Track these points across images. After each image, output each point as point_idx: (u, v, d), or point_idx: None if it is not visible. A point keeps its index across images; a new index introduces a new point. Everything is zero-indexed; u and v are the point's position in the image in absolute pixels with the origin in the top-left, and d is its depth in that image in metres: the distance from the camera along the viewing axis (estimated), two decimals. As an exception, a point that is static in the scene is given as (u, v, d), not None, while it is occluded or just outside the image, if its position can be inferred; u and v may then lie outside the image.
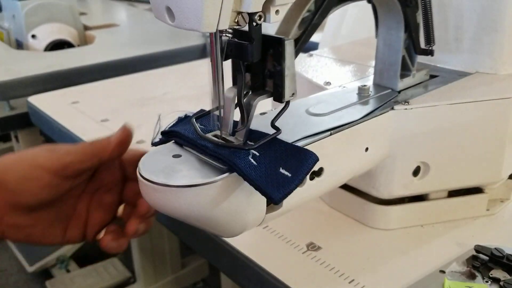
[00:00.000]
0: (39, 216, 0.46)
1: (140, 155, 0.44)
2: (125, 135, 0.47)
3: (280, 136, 0.43)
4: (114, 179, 0.49)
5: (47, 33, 1.47)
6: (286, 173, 0.39)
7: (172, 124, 0.46)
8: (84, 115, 0.98)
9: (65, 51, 1.44)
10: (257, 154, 0.40)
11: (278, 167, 0.39)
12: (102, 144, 0.46)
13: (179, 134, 0.43)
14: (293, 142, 0.44)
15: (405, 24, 0.54)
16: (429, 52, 0.57)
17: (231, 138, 0.43)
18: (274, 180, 0.38)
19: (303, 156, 0.41)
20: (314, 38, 1.21)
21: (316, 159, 0.41)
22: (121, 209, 0.51)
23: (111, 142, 0.47)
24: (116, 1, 2.20)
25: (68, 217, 0.49)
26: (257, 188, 0.38)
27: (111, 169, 0.49)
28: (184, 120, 0.46)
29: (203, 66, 1.28)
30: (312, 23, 0.44)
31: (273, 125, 0.43)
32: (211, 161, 0.41)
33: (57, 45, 1.46)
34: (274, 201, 0.38)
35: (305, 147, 0.43)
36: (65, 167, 0.44)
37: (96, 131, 0.90)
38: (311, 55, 0.75)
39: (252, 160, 0.39)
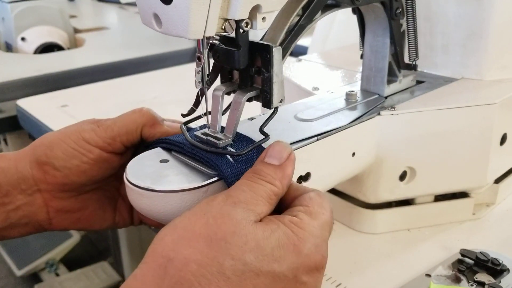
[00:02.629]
0: (87, 198, 0.45)
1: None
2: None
3: (268, 142, 0.43)
4: None
5: (37, 36, 1.46)
6: None
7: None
8: (73, 119, 0.98)
9: (54, 54, 1.43)
10: (234, 151, 0.41)
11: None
12: (145, 111, 0.45)
13: (163, 139, 0.44)
14: None
15: (390, 36, 0.55)
16: (413, 67, 0.58)
17: (219, 135, 0.43)
18: None
19: None
20: (304, 42, 1.22)
21: None
22: None
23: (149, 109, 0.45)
24: (106, 4, 2.19)
25: (115, 199, 0.47)
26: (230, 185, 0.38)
27: None
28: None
29: (194, 70, 1.28)
30: (298, 24, 0.45)
31: (261, 131, 0.44)
32: (197, 165, 0.41)
33: (47, 48, 1.45)
34: None
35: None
36: (113, 139, 0.43)
37: (85, 135, 0.90)
38: (299, 60, 0.75)
39: (229, 157, 0.40)
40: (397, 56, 0.57)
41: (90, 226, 0.46)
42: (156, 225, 0.48)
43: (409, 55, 0.58)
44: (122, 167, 0.45)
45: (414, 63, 0.58)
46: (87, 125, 0.44)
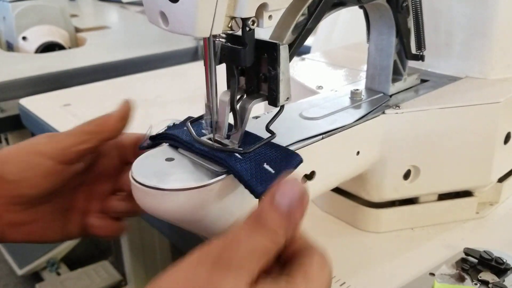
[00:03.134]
0: (39, 211, 0.45)
1: (138, 138, 0.43)
2: (125, 110, 0.46)
3: (273, 140, 0.43)
4: (113, 166, 0.48)
5: (38, 35, 1.46)
6: (270, 169, 0.40)
7: (161, 131, 0.46)
8: (76, 117, 0.98)
9: (56, 53, 1.43)
10: (241, 149, 0.41)
11: (262, 163, 0.40)
12: (102, 121, 0.45)
13: (169, 135, 0.44)
14: (287, 145, 0.44)
15: (396, 30, 0.55)
16: (420, 57, 0.58)
17: (226, 141, 0.43)
18: (258, 175, 0.39)
19: (288, 156, 0.41)
20: (307, 41, 1.22)
21: (300, 160, 0.41)
22: None
23: (111, 117, 0.45)
24: (107, 3, 2.19)
25: (66, 211, 0.47)
26: (241, 180, 0.38)
27: (110, 155, 0.47)
28: (172, 127, 0.46)
29: (195, 68, 1.28)
30: (306, 28, 0.45)
31: (268, 129, 0.44)
32: (203, 163, 0.41)
33: (48, 47, 1.45)
34: (256, 194, 0.38)
35: (296, 150, 0.44)
36: (66, 150, 0.43)
37: (88, 134, 0.90)
38: (303, 59, 0.75)
39: (237, 154, 0.40)
40: (402, 53, 0.57)
41: (42, 239, 0.46)
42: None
43: (416, 45, 0.58)
44: (76, 178, 0.46)
45: (421, 53, 0.58)
46: (42, 138, 0.44)
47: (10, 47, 1.51)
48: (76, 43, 1.58)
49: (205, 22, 0.35)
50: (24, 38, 1.46)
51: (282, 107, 0.43)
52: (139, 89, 1.15)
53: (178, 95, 1.07)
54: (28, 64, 1.27)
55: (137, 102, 1.08)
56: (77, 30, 1.63)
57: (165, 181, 0.39)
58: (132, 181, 0.40)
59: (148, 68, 1.29)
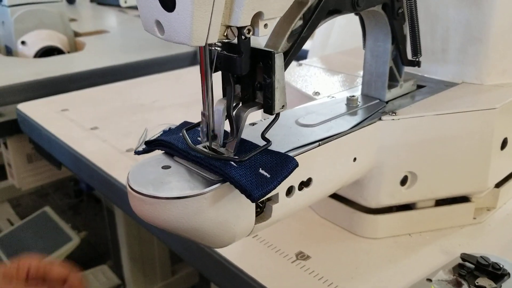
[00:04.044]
0: None
1: (66, 276, 0.48)
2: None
3: (269, 147, 0.43)
4: None
5: (37, 39, 1.47)
6: (266, 174, 0.40)
7: (156, 136, 0.46)
8: (74, 122, 0.98)
9: (55, 58, 1.43)
10: (237, 158, 0.41)
11: (258, 168, 0.40)
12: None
13: (164, 142, 0.44)
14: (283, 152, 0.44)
15: (392, 36, 0.55)
16: (416, 63, 0.58)
17: (221, 150, 0.43)
18: (254, 180, 0.39)
19: (284, 161, 0.41)
20: (304, 46, 1.22)
21: (296, 164, 0.41)
22: None
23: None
24: (106, 7, 2.20)
25: None
26: (237, 186, 0.39)
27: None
28: (168, 132, 0.46)
29: (194, 73, 1.29)
30: (301, 36, 0.45)
31: (263, 136, 0.44)
32: (199, 171, 0.41)
33: (47, 51, 1.45)
34: (252, 198, 0.38)
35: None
36: None
37: (85, 139, 0.90)
38: (300, 65, 0.75)
39: (232, 163, 0.40)
40: (398, 60, 0.57)
41: None
42: None
43: (412, 51, 0.58)
44: None
45: (417, 59, 0.58)
46: None
47: (9, 52, 1.51)
48: (75, 47, 1.58)
49: (201, 31, 0.36)
50: (23, 42, 1.46)
51: (278, 115, 0.43)
52: (137, 94, 1.15)
53: (175, 99, 1.08)
54: (26, 69, 1.27)
55: (134, 107, 1.09)
56: (76, 34, 1.64)
57: (161, 189, 0.39)
58: (129, 189, 0.40)
59: (147, 72, 1.29)
